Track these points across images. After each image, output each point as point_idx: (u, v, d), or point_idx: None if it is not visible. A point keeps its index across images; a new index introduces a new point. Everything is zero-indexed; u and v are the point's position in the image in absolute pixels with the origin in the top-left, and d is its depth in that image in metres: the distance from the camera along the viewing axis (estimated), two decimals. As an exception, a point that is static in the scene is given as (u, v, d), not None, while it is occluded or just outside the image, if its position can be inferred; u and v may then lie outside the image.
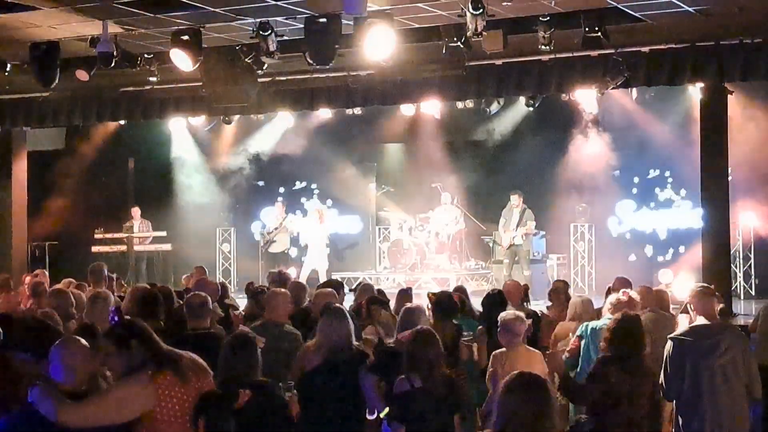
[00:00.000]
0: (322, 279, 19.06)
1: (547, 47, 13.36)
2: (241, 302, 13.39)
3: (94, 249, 20.80)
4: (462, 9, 11.96)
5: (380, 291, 11.44)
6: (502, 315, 8.61)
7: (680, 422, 7.30)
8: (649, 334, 7.61)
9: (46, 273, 14.58)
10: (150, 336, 5.57)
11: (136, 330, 5.58)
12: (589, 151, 21.24)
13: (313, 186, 23.92)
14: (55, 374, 5.34)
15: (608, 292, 10.48)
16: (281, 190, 23.88)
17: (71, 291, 10.42)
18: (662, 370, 7.33)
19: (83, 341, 5.55)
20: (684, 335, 7.44)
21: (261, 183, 24.15)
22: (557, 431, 4.86)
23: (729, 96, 15.47)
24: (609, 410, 6.93)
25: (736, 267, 18.81)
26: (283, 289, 9.55)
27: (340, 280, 13.26)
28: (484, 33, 12.41)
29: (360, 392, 7.20)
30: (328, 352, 7.37)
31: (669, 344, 7.40)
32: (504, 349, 8.31)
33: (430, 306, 9.66)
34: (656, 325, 8.95)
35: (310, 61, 13.06)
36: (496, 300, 10.08)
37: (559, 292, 11.31)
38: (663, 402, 7.42)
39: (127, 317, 7.04)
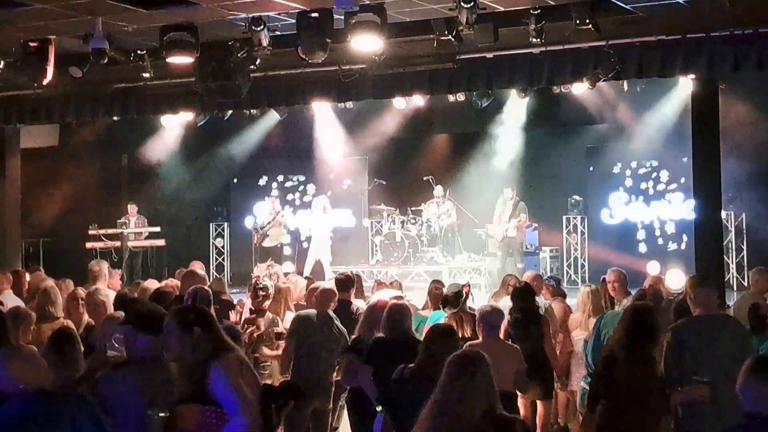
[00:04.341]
0: (327, 270, 19.13)
1: (538, 40, 13.39)
2: (235, 296, 13.42)
3: (88, 245, 20.82)
4: (453, 2, 11.99)
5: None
6: (480, 308, 8.68)
7: (680, 413, 7.27)
8: None
9: (41, 270, 14.58)
10: (214, 326, 5.58)
11: (202, 318, 5.57)
12: (581, 143, 21.33)
13: (305, 179, 23.96)
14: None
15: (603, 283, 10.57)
16: (274, 184, 23.94)
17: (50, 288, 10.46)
18: (662, 361, 7.25)
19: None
20: (684, 326, 7.40)
21: (253, 177, 24.18)
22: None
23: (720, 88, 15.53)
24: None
25: (728, 258, 18.88)
26: None
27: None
28: (475, 26, 12.46)
29: None
30: None
31: (669, 335, 7.32)
32: (480, 340, 8.32)
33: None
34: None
35: (303, 56, 13.07)
36: (525, 292, 10.03)
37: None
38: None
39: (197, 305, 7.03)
